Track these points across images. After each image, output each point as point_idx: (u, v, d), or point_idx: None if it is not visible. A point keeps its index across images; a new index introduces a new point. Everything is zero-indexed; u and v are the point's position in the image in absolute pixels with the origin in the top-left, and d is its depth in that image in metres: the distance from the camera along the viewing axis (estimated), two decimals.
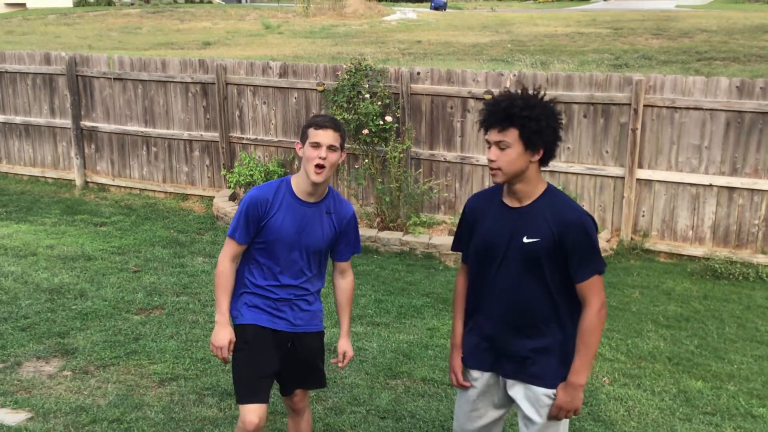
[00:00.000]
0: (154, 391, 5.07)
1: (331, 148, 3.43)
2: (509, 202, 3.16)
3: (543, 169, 3.19)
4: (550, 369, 3.15)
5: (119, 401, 4.90)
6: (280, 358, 3.60)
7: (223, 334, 3.51)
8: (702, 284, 7.45)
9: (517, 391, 3.22)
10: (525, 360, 3.17)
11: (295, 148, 3.68)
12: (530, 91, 3.10)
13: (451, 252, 8.02)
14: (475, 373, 3.33)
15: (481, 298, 3.26)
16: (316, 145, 3.42)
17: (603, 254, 7.96)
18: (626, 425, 4.77)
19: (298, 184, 3.54)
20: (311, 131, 3.45)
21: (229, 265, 3.56)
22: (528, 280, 3.11)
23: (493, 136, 3.05)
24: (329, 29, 28.13)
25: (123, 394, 5.01)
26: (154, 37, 26.83)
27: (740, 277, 7.53)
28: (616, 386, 5.29)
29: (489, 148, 3.08)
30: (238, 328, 3.58)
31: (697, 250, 8.06)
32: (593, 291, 3.07)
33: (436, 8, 39.12)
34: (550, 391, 3.15)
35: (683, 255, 8.13)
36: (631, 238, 8.30)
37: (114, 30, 29.40)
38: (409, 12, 36.76)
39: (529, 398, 3.19)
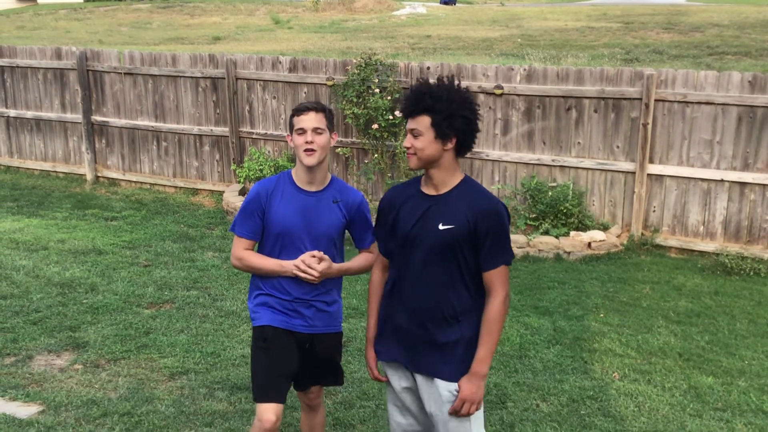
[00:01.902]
0: (165, 385, 5.09)
1: (316, 130, 3.43)
2: (426, 190, 3.19)
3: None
4: (454, 362, 3.11)
5: (130, 395, 4.93)
6: (299, 359, 3.58)
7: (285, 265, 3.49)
8: (713, 280, 7.42)
9: (424, 386, 3.18)
10: (433, 353, 3.13)
11: None
12: (445, 81, 3.12)
13: None
14: (390, 368, 3.30)
15: (394, 289, 3.23)
16: (302, 131, 3.44)
17: (613, 249, 7.97)
18: (636, 421, 4.76)
19: (297, 174, 3.55)
20: (295, 119, 3.48)
21: (245, 252, 3.54)
22: (441, 269, 3.09)
23: (409, 123, 3.13)
24: (339, 24, 28.10)
25: (133, 387, 5.03)
26: (164, 32, 26.87)
27: (751, 273, 7.49)
28: (627, 382, 5.28)
29: (406, 134, 3.15)
30: (257, 329, 3.57)
31: (708, 246, 8.02)
32: (499, 280, 3.07)
33: (445, 3, 39.00)
34: (453, 386, 3.10)
35: (694, 250, 8.09)
36: (642, 234, 8.26)
37: (124, 25, 29.47)
38: (419, 7, 36.66)
39: (432, 392, 3.15)
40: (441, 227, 3.07)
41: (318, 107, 3.48)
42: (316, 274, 3.44)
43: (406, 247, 3.17)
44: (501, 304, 3.07)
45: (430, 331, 3.13)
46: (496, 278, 3.08)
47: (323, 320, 3.60)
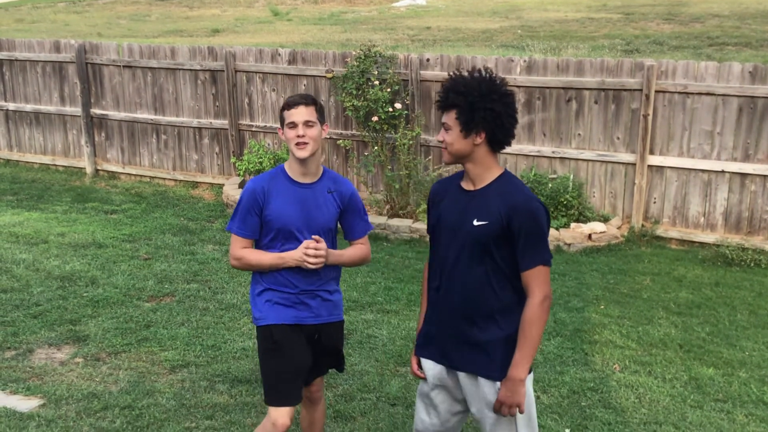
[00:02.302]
0: (166, 378, 5.09)
1: (307, 123, 3.44)
2: (465, 185, 3.16)
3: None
4: (497, 361, 3.05)
5: (131, 388, 4.93)
6: (311, 352, 3.59)
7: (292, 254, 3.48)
8: (713, 271, 7.41)
9: (468, 385, 3.13)
10: (475, 351, 3.08)
11: None
12: (477, 74, 3.07)
13: None
14: (427, 364, 3.24)
15: (437, 285, 3.20)
16: (293, 125, 3.44)
17: (614, 241, 7.95)
18: (637, 412, 4.76)
19: (291, 167, 3.55)
20: (285, 113, 3.48)
21: (243, 251, 3.53)
22: (479, 266, 3.04)
23: (442, 117, 3.11)
24: (338, 16, 28.04)
25: (134, 380, 5.03)
26: (163, 25, 26.81)
27: (752, 264, 7.48)
28: (627, 373, 5.28)
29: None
30: (264, 330, 3.54)
31: (709, 237, 8.01)
32: (537, 281, 2.99)
33: None
34: (496, 385, 3.06)
35: (695, 242, 8.09)
36: (642, 225, 8.26)
37: (123, 18, 29.39)
38: None
39: (476, 392, 3.11)
40: (475, 223, 3.02)
41: (308, 100, 3.48)
42: (322, 255, 3.43)
43: (446, 242, 3.13)
44: (537, 306, 2.98)
45: (470, 328, 3.08)
46: (532, 279, 2.99)
47: (328, 309, 3.62)
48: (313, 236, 3.46)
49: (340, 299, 3.72)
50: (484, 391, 3.08)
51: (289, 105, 3.48)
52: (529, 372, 3.08)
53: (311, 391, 3.81)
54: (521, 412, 3.03)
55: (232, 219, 3.56)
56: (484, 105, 2.99)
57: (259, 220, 3.51)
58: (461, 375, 3.14)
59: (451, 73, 3.15)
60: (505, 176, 3.11)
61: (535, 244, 2.98)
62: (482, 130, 3.02)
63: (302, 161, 3.48)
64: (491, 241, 3.00)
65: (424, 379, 3.27)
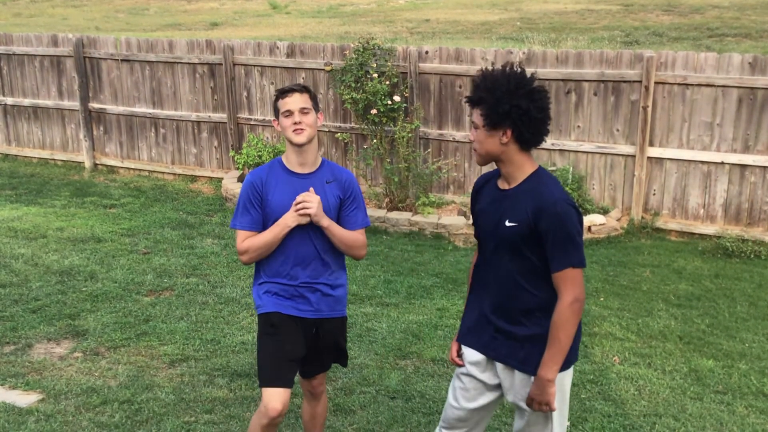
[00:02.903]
0: (165, 372, 5.08)
1: (303, 110, 3.43)
2: (500, 184, 3.13)
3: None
4: (535, 356, 3.05)
5: (130, 382, 4.92)
6: (305, 344, 3.57)
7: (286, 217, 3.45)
8: (713, 263, 7.40)
9: (505, 376, 3.15)
10: (514, 344, 3.09)
11: None
12: (509, 69, 2.98)
13: (460, 232, 7.99)
14: (467, 351, 3.26)
15: (479, 278, 3.23)
16: (288, 113, 3.43)
17: (613, 233, 7.94)
18: (637, 404, 4.76)
19: (288, 157, 3.53)
20: (279, 102, 3.47)
21: (247, 243, 3.49)
22: (515, 265, 3.04)
23: (472, 115, 3.05)
24: (337, 9, 27.97)
25: (133, 375, 5.03)
26: (161, 18, 26.74)
27: (752, 256, 7.48)
28: (627, 365, 5.28)
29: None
30: (263, 316, 3.55)
31: (709, 229, 8.00)
32: (566, 284, 2.95)
33: None
34: (531, 378, 3.07)
35: (694, 233, 8.07)
36: (642, 217, 8.24)
37: (121, 11, 29.32)
38: None
39: (514, 385, 3.13)
40: (507, 224, 3.00)
41: (301, 88, 3.48)
42: (314, 203, 3.39)
43: (484, 239, 3.15)
44: (567, 308, 2.94)
45: (507, 324, 3.09)
46: (561, 281, 2.95)
47: (328, 304, 3.59)
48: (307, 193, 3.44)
49: (344, 295, 3.67)
50: (519, 383, 3.11)
51: (282, 94, 3.47)
52: (567, 367, 3.09)
53: (313, 386, 3.79)
54: (552, 409, 3.04)
55: (235, 216, 3.54)
56: (510, 101, 2.91)
57: (260, 212, 3.49)
58: (499, 366, 3.16)
59: (482, 69, 3.08)
60: (537, 175, 3.04)
61: (564, 246, 2.92)
62: (509, 127, 2.95)
63: (300, 148, 3.46)
64: (521, 241, 2.99)
65: (462, 365, 3.28)
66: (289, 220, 3.43)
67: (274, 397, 3.43)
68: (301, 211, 3.40)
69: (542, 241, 2.95)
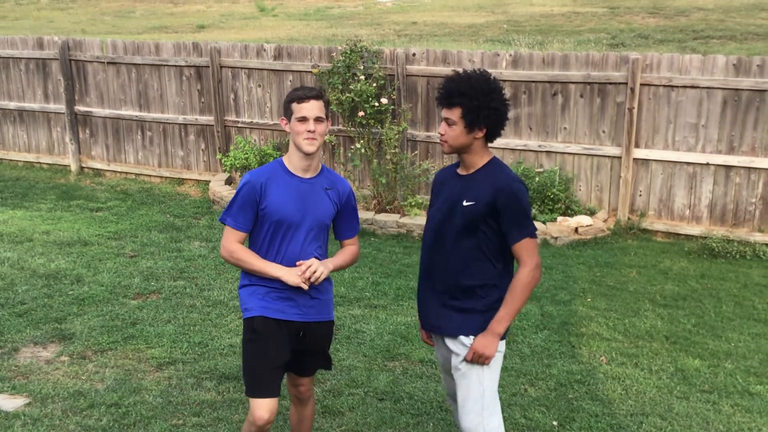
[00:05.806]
0: (152, 376, 5.06)
1: (318, 119, 3.42)
2: (460, 170, 3.48)
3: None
4: (477, 320, 3.35)
5: (117, 386, 4.90)
6: (290, 348, 3.54)
7: (289, 273, 3.45)
8: (699, 263, 7.45)
9: (451, 346, 3.42)
10: (455, 315, 3.38)
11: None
12: (475, 74, 3.33)
13: None
14: (431, 332, 3.57)
15: (427, 261, 3.49)
16: (303, 120, 3.41)
17: (600, 234, 7.99)
18: (624, 404, 4.78)
19: (291, 161, 3.51)
20: (295, 106, 3.43)
21: (236, 246, 3.49)
22: (467, 243, 3.34)
23: (443, 112, 3.38)
24: (324, 11, 27.96)
25: (121, 378, 5.01)
26: (148, 21, 26.65)
27: (737, 256, 7.53)
28: (614, 365, 5.30)
29: (441, 122, 3.41)
30: (247, 321, 3.52)
31: (694, 229, 8.06)
32: (527, 252, 3.30)
33: None
34: (470, 338, 3.35)
35: (680, 234, 8.13)
36: (628, 218, 8.29)
37: (107, 14, 29.20)
38: None
39: (457, 349, 3.39)
40: (465, 204, 3.33)
41: (319, 94, 3.44)
42: (321, 270, 3.43)
43: (441, 221, 3.42)
44: (529, 272, 3.29)
45: (456, 299, 3.38)
46: (522, 250, 3.30)
47: (316, 308, 3.57)
48: (297, 263, 3.45)
49: (331, 298, 3.67)
50: (458, 345, 3.39)
51: (300, 98, 3.42)
52: (504, 338, 3.39)
53: (300, 391, 3.77)
54: (487, 363, 3.34)
55: (228, 210, 3.51)
56: (488, 105, 3.29)
57: (254, 215, 3.47)
58: (447, 340, 3.45)
59: (455, 71, 3.45)
60: (493, 162, 3.43)
61: (520, 220, 3.29)
62: (484, 126, 3.33)
63: (307, 156, 3.46)
64: (479, 219, 3.30)
65: (433, 344, 3.67)
66: (289, 280, 3.43)
67: (261, 407, 3.43)
68: (312, 279, 3.43)
69: (498, 216, 3.29)
